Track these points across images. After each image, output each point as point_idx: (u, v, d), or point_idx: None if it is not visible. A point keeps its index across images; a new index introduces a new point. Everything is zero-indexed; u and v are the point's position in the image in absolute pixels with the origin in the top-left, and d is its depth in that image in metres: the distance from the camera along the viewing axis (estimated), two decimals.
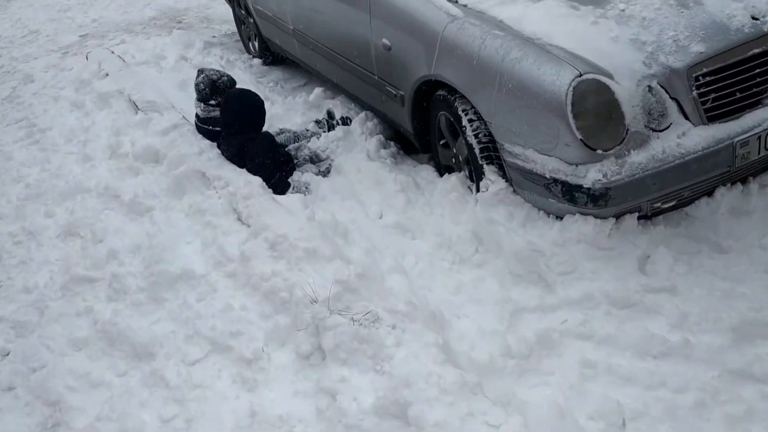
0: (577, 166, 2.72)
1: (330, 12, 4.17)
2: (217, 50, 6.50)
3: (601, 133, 2.67)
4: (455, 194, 3.35)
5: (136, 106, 4.73)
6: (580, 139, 2.67)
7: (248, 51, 6.36)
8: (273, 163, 3.69)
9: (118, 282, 3.02)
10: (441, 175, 3.70)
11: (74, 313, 2.98)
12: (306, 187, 3.71)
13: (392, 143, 4.18)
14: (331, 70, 4.55)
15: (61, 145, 4.73)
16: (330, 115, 4.56)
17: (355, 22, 3.86)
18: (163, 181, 3.69)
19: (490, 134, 3.07)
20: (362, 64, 4.00)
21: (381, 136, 4.14)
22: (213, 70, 4.11)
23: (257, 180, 3.47)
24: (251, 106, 3.73)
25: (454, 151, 3.48)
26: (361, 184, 3.71)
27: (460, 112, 3.18)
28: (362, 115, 4.33)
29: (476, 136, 3.12)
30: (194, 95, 4.75)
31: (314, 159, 4.02)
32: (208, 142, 4.00)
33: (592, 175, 2.67)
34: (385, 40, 3.59)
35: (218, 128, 3.97)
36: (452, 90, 3.26)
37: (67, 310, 3.01)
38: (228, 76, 4.09)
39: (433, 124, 3.61)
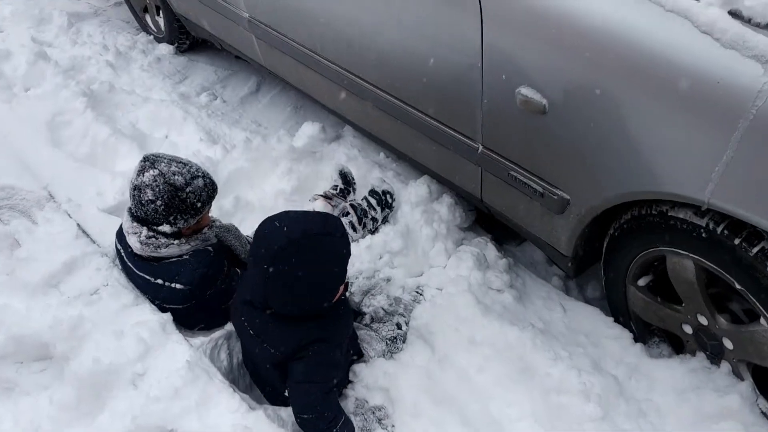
0: None
1: (360, 7, 2.10)
2: (92, 27, 4.14)
3: None
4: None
5: None
6: None
7: (145, 30, 4.04)
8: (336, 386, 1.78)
9: None
10: (643, 342, 1.92)
11: None
12: (379, 419, 1.81)
13: (489, 243, 2.31)
14: (346, 105, 2.52)
15: None
16: (345, 178, 2.57)
17: (439, 41, 1.87)
18: None
19: None
20: (444, 117, 2.04)
21: (482, 242, 2.27)
22: (177, 162, 1.92)
23: None
24: (332, 268, 1.64)
25: (685, 314, 1.70)
26: (487, 376, 1.86)
27: None
28: (421, 186, 2.39)
29: None
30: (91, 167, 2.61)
31: (368, 311, 2.08)
32: (150, 311, 1.92)
33: None
34: (529, 92, 1.65)
35: (179, 285, 1.91)
36: (737, 227, 1.45)
37: None
38: (206, 177, 1.95)
39: (625, 254, 1.79)
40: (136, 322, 1.88)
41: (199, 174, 1.93)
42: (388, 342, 1.97)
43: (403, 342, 2.00)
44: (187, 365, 1.73)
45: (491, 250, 2.25)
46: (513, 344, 1.88)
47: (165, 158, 1.91)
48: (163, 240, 1.91)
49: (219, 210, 2.54)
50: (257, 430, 1.61)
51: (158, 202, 1.85)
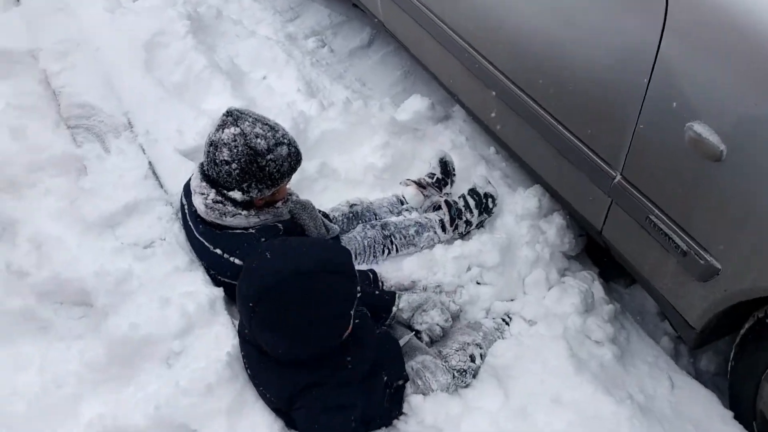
0: None
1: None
2: None
3: None
4: None
5: (60, 115, 2.34)
6: None
7: None
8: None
9: None
10: None
11: None
12: None
13: (596, 281, 1.97)
14: (465, 87, 2.20)
15: None
16: (445, 167, 2.26)
17: (601, 39, 1.52)
18: None
19: None
20: (580, 131, 1.70)
21: (588, 276, 1.94)
22: (263, 123, 1.66)
23: None
24: (327, 310, 1.37)
25: None
26: None
27: None
28: (531, 198, 2.07)
29: None
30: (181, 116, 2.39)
31: (421, 328, 1.80)
32: (202, 281, 1.72)
33: None
34: (704, 131, 1.29)
35: (238, 260, 1.68)
36: None
37: None
38: (291, 144, 1.70)
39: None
40: (184, 291, 1.68)
41: (285, 141, 1.68)
42: (456, 374, 1.69)
43: (474, 377, 1.72)
44: (227, 359, 1.51)
45: (597, 290, 1.93)
46: (605, 416, 1.56)
47: (251, 117, 1.66)
48: (230, 208, 1.68)
49: (301, 173, 2.26)
50: None
51: (233, 165, 1.62)
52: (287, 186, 1.80)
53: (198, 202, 1.70)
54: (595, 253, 2.11)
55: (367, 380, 1.51)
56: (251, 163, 1.62)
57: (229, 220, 1.69)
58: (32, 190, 2.10)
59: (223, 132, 1.63)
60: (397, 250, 2.03)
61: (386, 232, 2.01)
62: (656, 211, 1.52)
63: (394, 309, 1.79)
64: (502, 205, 2.11)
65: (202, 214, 1.71)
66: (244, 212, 1.69)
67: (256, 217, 1.71)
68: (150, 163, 2.10)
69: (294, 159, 1.70)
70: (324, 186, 2.35)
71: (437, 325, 1.79)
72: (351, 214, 2.10)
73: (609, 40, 1.48)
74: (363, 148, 2.45)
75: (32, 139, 2.27)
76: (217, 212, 1.68)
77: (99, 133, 2.26)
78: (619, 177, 1.60)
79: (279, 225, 1.75)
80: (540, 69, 1.74)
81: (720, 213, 1.36)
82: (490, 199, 2.10)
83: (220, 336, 1.60)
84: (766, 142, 1.21)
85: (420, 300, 1.82)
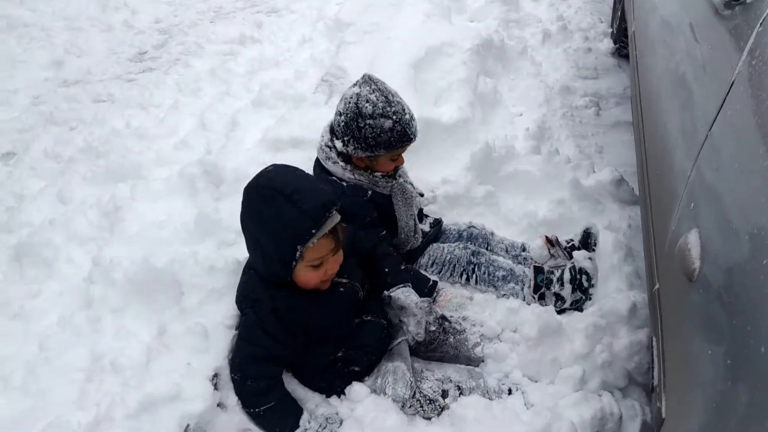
0: None
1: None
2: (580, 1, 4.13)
3: None
4: None
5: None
6: None
7: (612, 21, 3.84)
8: None
9: None
10: None
11: None
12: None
13: (640, 418, 1.64)
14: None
15: None
16: (586, 239, 2.09)
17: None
18: None
19: None
20: (653, 193, 1.48)
21: (634, 408, 1.64)
22: (384, 93, 1.80)
23: None
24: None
25: None
26: None
27: None
28: (625, 299, 1.81)
29: None
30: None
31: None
32: None
33: None
34: (693, 241, 1.05)
35: None
36: None
37: None
38: (399, 123, 1.79)
39: None
40: None
41: (393, 117, 1.77)
42: (420, 397, 1.62)
43: (437, 415, 1.63)
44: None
45: (633, 427, 1.60)
46: None
47: (377, 85, 1.81)
48: (333, 154, 1.87)
49: (467, 191, 2.33)
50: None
51: (342, 117, 1.81)
52: (395, 165, 1.90)
53: (319, 140, 1.95)
54: None
55: (313, 343, 1.60)
56: (353, 120, 1.78)
57: (330, 165, 1.88)
58: (273, 111, 2.65)
59: (350, 89, 1.84)
60: (476, 282, 1.98)
61: (474, 260, 1.99)
62: (659, 332, 1.26)
63: (386, 292, 1.75)
64: (601, 297, 1.88)
65: (317, 153, 1.96)
66: (342, 163, 1.86)
67: (351, 173, 1.87)
68: None
69: (396, 137, 1.79)
70: (480, 212, 2.35)
71: (410, 332, 1.70)
72: (465, 233, 2.11)
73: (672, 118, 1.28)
74: (540, 200, 2.39)
75: (300, 84, 2.83)
76: (324, 154, 1.89)
77: (333, 91, 2.69)
78: (657, 285, 1.35)
79: (370, 192, 1.89)
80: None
81: (684, 342, 1.08)
82: (584, 276, 1.90)
83: None
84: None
85: (406, 304, 1.72)
